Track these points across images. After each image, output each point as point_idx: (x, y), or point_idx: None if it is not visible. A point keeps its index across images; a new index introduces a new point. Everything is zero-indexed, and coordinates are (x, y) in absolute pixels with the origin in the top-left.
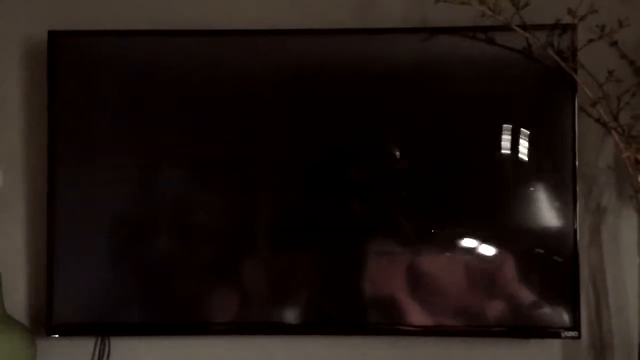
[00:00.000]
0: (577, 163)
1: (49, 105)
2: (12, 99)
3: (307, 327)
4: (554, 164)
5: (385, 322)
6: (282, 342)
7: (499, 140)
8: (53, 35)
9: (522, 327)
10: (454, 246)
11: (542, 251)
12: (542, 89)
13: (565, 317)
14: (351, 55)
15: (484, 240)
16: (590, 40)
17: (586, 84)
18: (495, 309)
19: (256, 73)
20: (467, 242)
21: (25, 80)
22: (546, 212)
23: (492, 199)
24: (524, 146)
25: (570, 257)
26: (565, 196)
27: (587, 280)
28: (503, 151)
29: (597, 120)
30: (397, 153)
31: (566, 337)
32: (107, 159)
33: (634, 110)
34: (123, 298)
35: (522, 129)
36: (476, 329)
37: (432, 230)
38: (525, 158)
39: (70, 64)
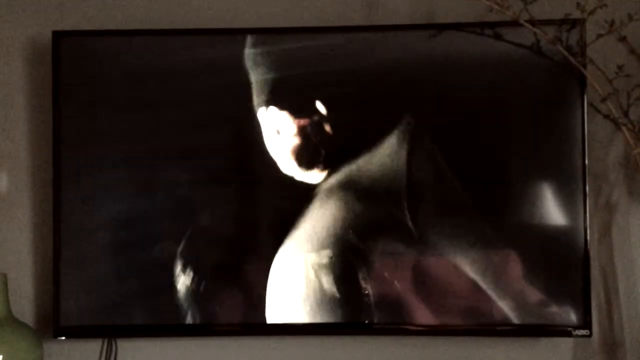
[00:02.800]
0: (586, 160)
1: (54, 106)
2: (17, 100)
3: (313, 328)
4: (564, 161)
5: (391, 321)
6: (288, 343)
7: (507, 137)
8: (57, 35)
9: (532, 325)
10: (462, 245)
11: (552, 249)
12: (550, 85)
13: (576, 316)
14: (357, 53)
15: (493, 238)
16: (600, 35)
17: (595, 80)
18: (504, 307)
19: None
20: (476, 241)
21: (30, 81)
22: (556, 209)
23: (500, 197)
24: (532, 143)
25: (580, 255)
26: (575, 193)
27: (598, 278)
28: (511, 148)
29: (607, 117)
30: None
31: (577, 336)
32: (112, 160)
33: None
34: (130, 299)
35: (530, 126)
36: (485, 327)
37: (440, 229)
38: (534, 155)
39: (75, 65)
